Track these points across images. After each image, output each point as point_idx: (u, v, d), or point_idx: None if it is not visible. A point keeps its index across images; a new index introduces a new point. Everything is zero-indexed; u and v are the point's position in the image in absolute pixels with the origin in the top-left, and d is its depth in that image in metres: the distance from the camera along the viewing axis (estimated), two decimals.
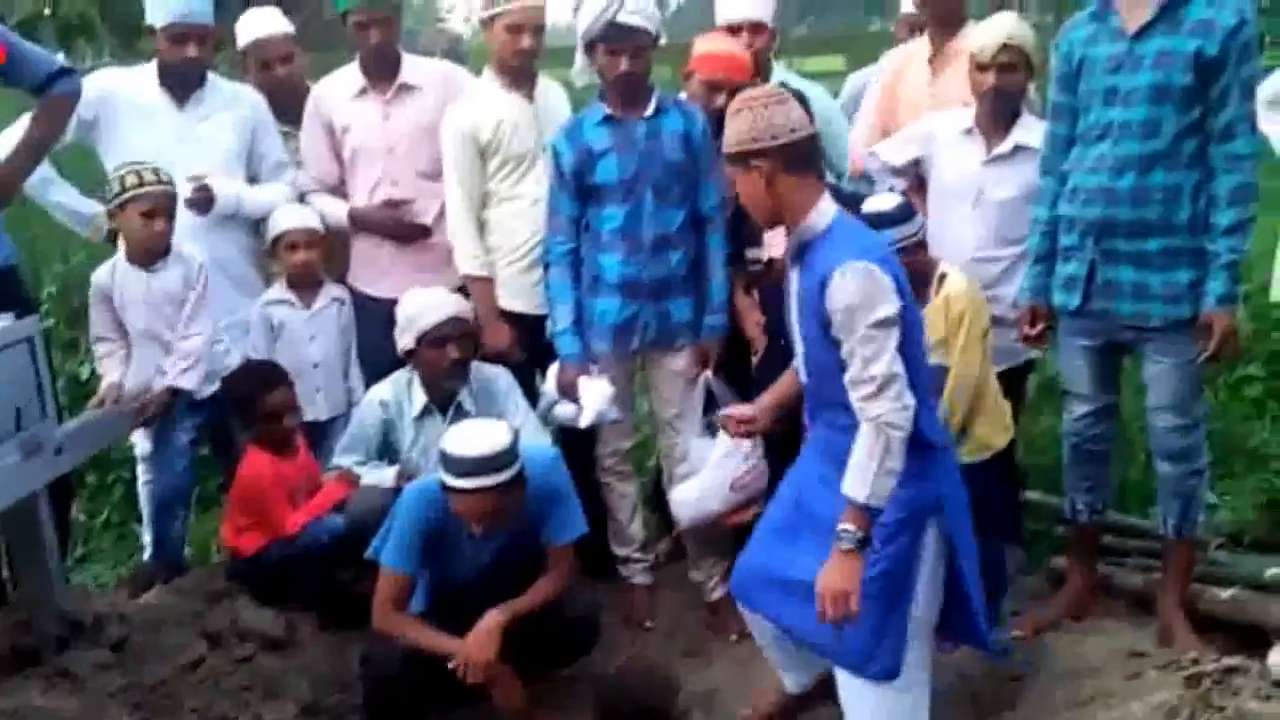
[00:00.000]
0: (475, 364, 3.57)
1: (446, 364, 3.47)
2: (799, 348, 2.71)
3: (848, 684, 2.70)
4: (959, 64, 3.52)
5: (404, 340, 3.50)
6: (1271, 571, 2.99)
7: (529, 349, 3.70)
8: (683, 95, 3.61)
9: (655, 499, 3.94)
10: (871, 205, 3.17)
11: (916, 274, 3.19)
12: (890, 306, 2.46)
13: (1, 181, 3.33)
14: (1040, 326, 3.23)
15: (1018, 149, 3.36)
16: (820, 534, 2.57)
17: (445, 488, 2.95)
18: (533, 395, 3.67)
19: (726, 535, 3.52)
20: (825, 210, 2.58)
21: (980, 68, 3.33)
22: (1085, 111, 3.04)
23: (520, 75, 3.67)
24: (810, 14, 32.32)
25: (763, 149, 2.54)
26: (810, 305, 2.55)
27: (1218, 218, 2.87)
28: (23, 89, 3.34)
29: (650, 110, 3.44)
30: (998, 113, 3.37)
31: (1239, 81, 2.82)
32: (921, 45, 3.84)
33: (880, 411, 2.45)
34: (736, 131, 2.58)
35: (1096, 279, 3.04)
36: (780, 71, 3.94)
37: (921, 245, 3.22)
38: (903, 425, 2.45)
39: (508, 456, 2.92)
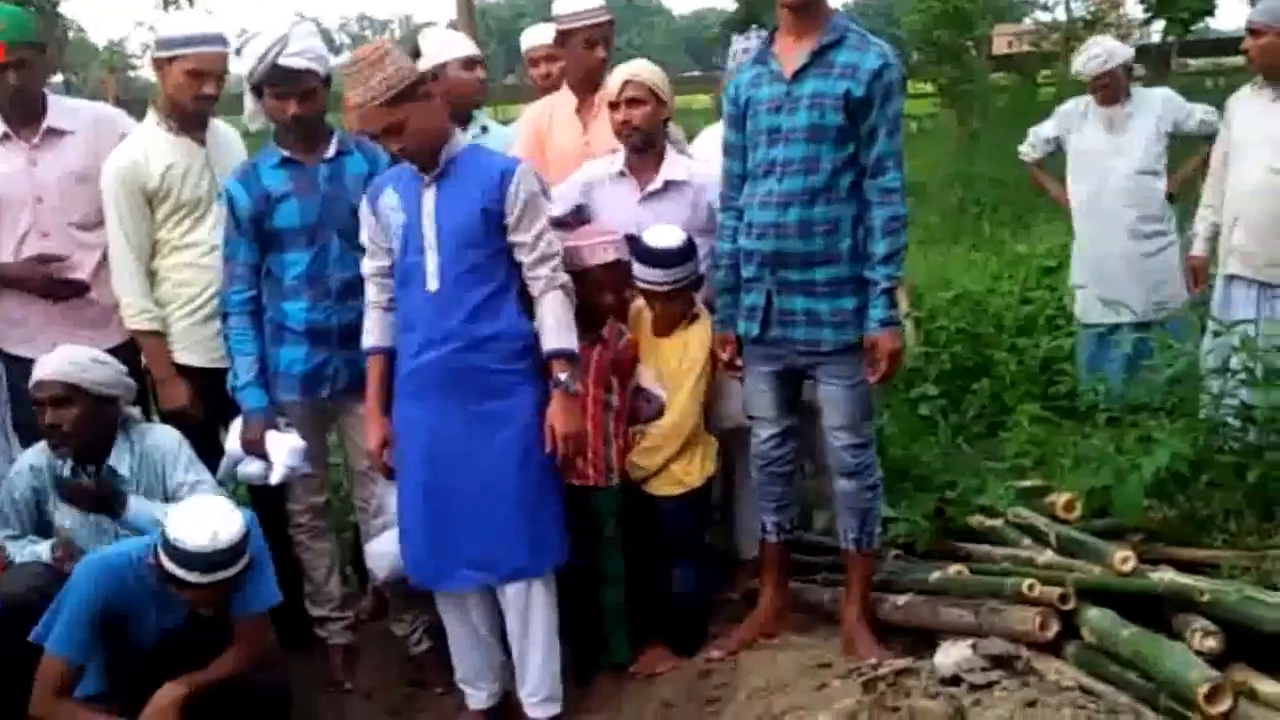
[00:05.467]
0: (143, 425, 3.32)
1: (44, 430, 3.19)
2: (430, 261, 3.03)
3: (529, 599, 3.11)
4: (605, 113, 3.62)
5: None
6: (936, 575, 3.18)
7: (210, 405, 3.49)
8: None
9: (355, 554, 3.80)
10: (654, 240, 3.30)
11: (681, 311, 3.37)
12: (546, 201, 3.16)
13: None
14: (732, 354, 3.34)
15: (669, 184, 3.49)
16: (496, 457, 3.05)
17: (171, 578, 2.75)
18: (217, 454, 3.46)
19: None
20: (458, 134, 3.15)
21: (611, 106, 3.46)
22: (753, 150, 3.19)
23: (192, 119, 3.50)
24: (519, 65, 32.86)
25: (422, 75, 3.01)
26: (473, 203, 3.01)
27: (874, 247, 3.04)
28: None
29: (331, 152, 3.38)
30: (640, 148, 3.48)
31: (885, 120, 3.01)
32: (564, 98, 3.92)
33: (565, 278, 3.09)
34: (397, 70, 2.91)
35: (774, 308, 3.17)
36: (481, 117, 3.93)
37: (697, 284, 3.37)
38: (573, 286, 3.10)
39: (244, 544, 2.79)
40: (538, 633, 3.15)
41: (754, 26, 3.71)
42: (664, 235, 3.34)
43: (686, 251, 3.33)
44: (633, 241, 3.35)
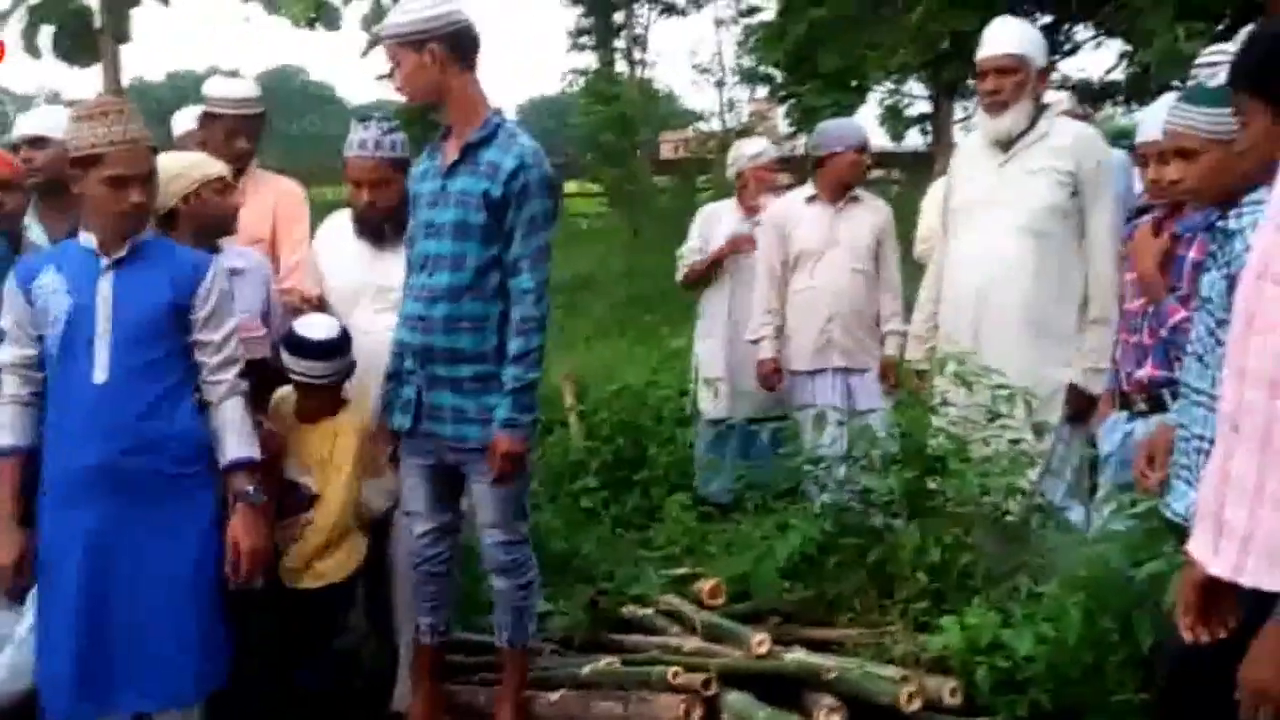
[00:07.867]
0: None
1: None
2: (100, 350, 2.78)
3: None
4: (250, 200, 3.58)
5: None
6: (589, 668, 3.21)
7: None
8: None
9: None
10: (307, 331, 3.22)
11: (331, 401, 3.31)
12: None
13: None
14: (395, 446, 3.27)
15: (233, 271, 3.32)
16: (168, 569, 2.78)
17: None
18: None
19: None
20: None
21: (197, 195, 3.27)
22: (416, 243, 3.17)
23: None
24: None
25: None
26: (160, 294, 2.83)
27: (509, 347, 3.05)
28: None
29: None
30: (213, 235, 3.35)
31: (520, 221, 3.02)
32: None
33: (245, 384, 2.94)
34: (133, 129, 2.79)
35: (425, 402, 3.13)
36: None
37: (348, 374, 3.31)
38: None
39: None
40: None
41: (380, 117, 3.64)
42: (316, 326, 3.27)
43: (340, 345, 3.26)
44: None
